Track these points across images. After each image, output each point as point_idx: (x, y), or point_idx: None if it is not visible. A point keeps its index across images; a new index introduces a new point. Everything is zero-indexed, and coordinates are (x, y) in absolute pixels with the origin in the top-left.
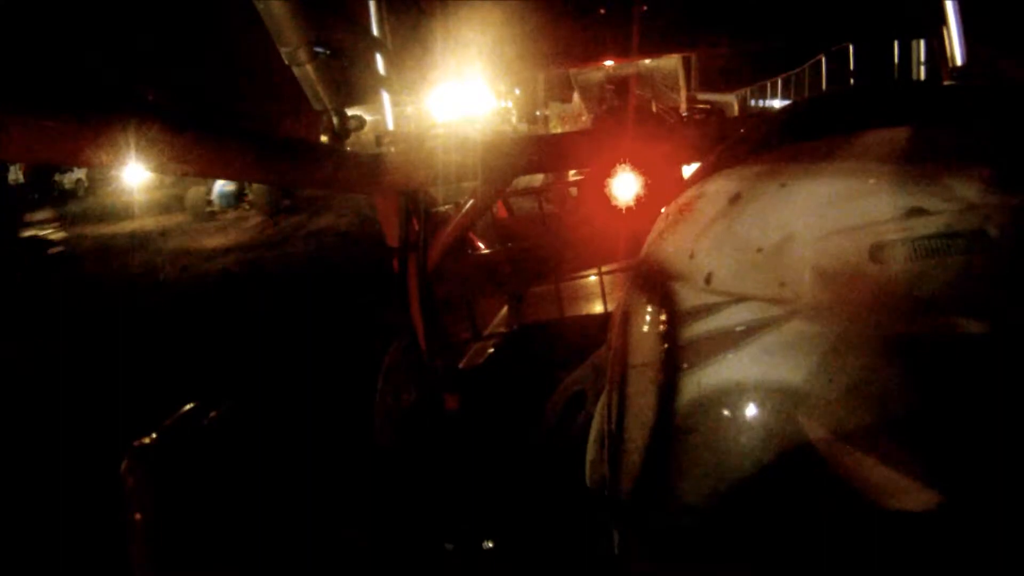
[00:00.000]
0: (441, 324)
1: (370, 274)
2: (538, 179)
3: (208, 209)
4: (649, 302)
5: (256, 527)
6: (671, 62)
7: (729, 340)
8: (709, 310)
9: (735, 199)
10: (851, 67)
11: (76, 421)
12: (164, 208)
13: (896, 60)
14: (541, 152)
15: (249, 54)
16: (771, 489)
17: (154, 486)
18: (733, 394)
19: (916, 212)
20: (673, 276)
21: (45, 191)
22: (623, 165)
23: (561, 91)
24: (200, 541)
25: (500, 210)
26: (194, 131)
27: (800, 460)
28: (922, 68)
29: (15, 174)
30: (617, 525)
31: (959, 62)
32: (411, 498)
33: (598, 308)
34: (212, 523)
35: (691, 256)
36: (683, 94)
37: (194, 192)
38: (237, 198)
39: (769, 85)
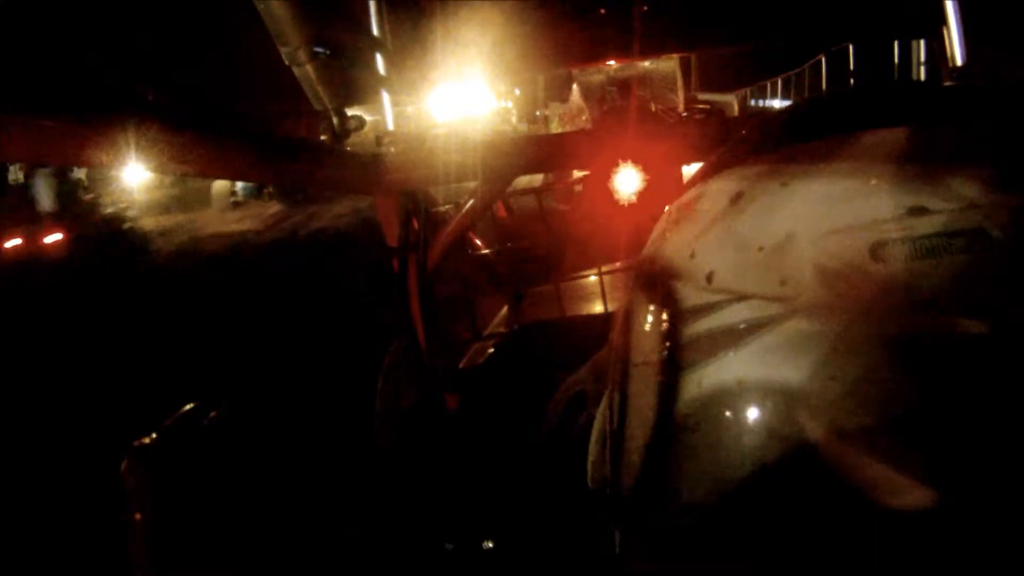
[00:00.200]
0: (441, 324)
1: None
2: (538, 179)
3: (232, 200)
4: (650, 301)
5: (256, 527)
6: (669, 64)
7: (730, 338)
8: (710, 309)
9: (736, 198)
10: (851, 67)
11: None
12: (187, 203)
13: (896, 60)
14: (541, 152)
15: (249, 54)
16: (771, 488)
17: (154, 486)
18: (734, 392)
19: (917, 211)
20: (674, 275)
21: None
22: (624, 164)
23: (560, 91)
24: (200, 541)
25: (500, 210)
26: (194, 131)
27: (800, 459)
28: (922, 68)
29: (15, 174)
30: (618, 525)
31: (959, 62)
32: (411, 498)
33: (598, 308)
34: (212, 523)
35: (692, 255)
36: (681, 95)
37: (219, 185)
38: (259, 189)
39: (769, 85)
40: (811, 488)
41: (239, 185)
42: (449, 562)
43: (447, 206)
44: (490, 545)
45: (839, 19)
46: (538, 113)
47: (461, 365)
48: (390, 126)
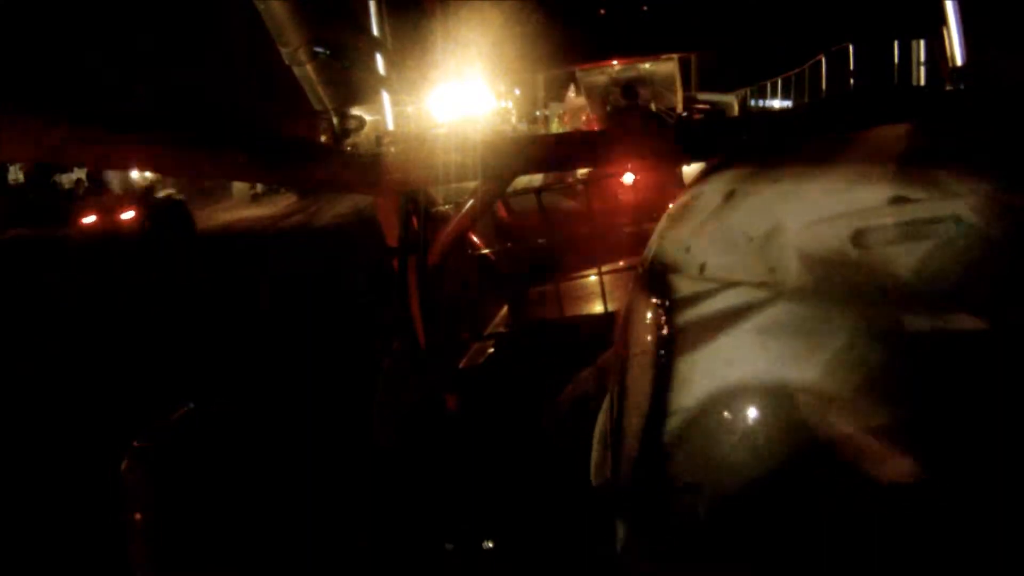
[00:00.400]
0: (441, 324)
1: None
2: (538, 179)
3: (252, 192)
4: (648, 294)
5: (256, 527)
6: (669, 65)
7: (719, 323)
8: (702, 297)
9: (729, 195)
10: (851, 67)
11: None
12: (214, 196)
13: (896, 60)
14: (541, 152)
15: (249, 54)
16: (761, 469)
17: (154, 486)
18: (723, 375)
19: (898, 200)
20: (671, 268)
21: (44, 191)
22: (625, 164)
23: (560, 91)
24: (200, 541)
25: (500, 210)
26: (194, 132)
27: (788, 437)
28: (922, 68)
29: (15, 174)
30: (617, 516)
31: (959, 62)
32: (411, 498)
33: (598, 308)
34: (212, 523)
35: (687, 250)
36: (679, 95)
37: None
38: None
39: (769, 85)
40: (799, 467)
41: None
42: (449, 562)
43: (447, 206)
44: (490, 545)
45: (839, 19)
46: (538, 113)
47: (461, 365)
48: (390, 126)
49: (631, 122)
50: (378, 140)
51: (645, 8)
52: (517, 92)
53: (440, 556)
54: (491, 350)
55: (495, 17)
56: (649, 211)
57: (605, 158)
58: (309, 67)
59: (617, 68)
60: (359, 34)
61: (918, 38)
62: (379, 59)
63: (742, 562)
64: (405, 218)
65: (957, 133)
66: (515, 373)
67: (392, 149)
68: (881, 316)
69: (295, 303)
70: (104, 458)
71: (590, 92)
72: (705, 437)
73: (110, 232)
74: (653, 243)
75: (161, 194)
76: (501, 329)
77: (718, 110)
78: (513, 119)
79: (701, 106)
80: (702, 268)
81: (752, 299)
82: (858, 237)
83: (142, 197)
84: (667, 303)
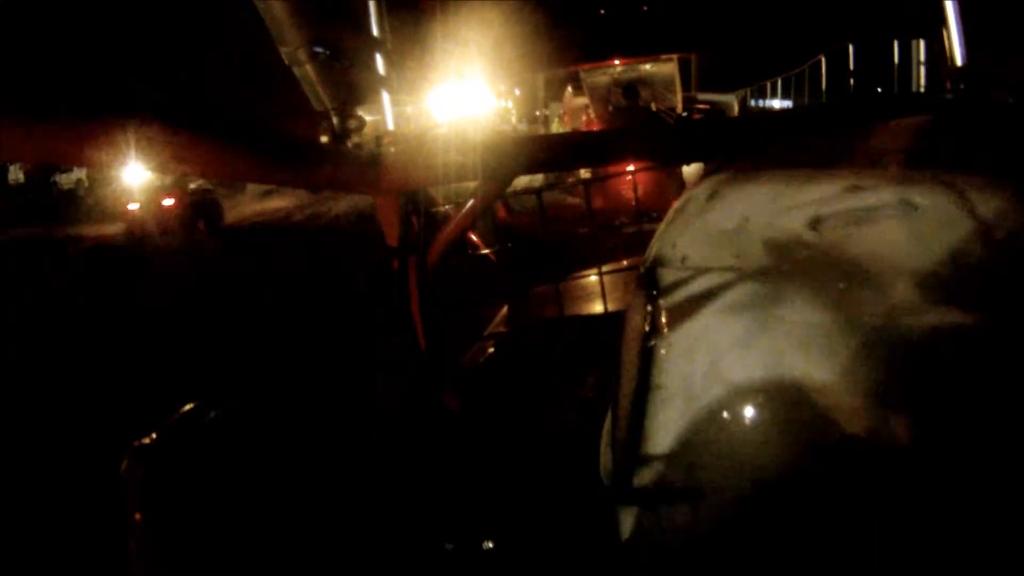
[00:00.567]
0: (441, 324)
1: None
2: (539, 179)
3: (265, 188)
4: (641, 288)
5: (256, 527)
6: (668, 66)
7: (693, 306)
8: (680, 284)
9: (711, 196)
10: (851, 67)
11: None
12: (229, 190)
13: (896, 60)
14: (542, 152)
15: (249, 54)
16: (728, 438)
17: (154, 486)
18: (694, 350)
19: (852, 189)
20: (660, 264)
21: (44, 191)
22: (625, 163)
23: (559, 91)
24: (200, 541)
25: (500, 210)
26: (194, 131)
27: (756, 404)
28: (922, 68)
29: (15, 174)
30: (618, 514)
31: (959, 62)
32: (411, 498)
33: (598, 308)
34: (212, 523)
35: (674, 246)
36: (679, 96)
37: None
38: None
39: (769, 85)
40: (763, 430)
41: None
42: (449, 562)
43: (447, 206)
44: (490, 545)
45: (839, 19)
46: (538, 113)
47: (461, 365)
48: (390, 126)
49: (631, 122)
50: (378, 140)
51: (645, 8)
52: (517, 92)
53: (440, 556)
54: (491, 350)
55: (495, 17)
56: (649, 211)
57: (605, 158)
58: (309, 67)
59: (619, 68)
60: (359, 34)
61: (918, 38)
62: (379, 59)
63: (740, 559)
64: (405, 218)
65: (897, 133)
66: (515, 373)
67: (392, 149)
68: (832, 290)
69: (313, 296)
70: (104, 458)
71: (593, 92)
72: (680, 407)
73: (155, 218)
74: (652, 244)
75: (193, 185)
76: (501, 329)
77: (718, 110)
78: (513, 119)
79: (701, 106)
80: (683, 260)
81: (721, 281)
82: (814, 223)
83: (181, 186)
84: (653, 293)
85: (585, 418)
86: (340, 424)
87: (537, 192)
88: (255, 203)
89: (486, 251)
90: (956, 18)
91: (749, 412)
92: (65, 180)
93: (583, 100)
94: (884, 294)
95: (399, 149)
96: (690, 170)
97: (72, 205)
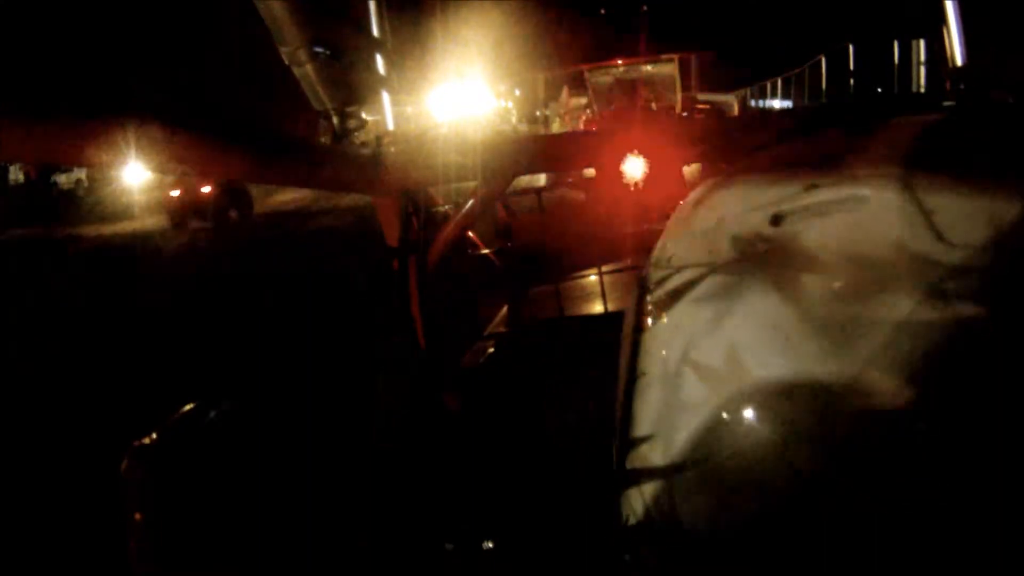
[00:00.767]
0: (441, 324)
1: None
2: (540, 179)
3: None
4: (636, 289)
5: (256, 527)
6: (668, 66)
7: (671, 299)
8: (663, 280)
9: (697, 203)
10: (851, 67)
11: None
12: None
13: (896, 60)
14: (542, 152)
15: (249, 54)
16: (701, 415)
17: (154, 486)
18: (672, 338)
19: (811, 187)
20: (653, 265)
21: (44, 191)
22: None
23: (559, 91)
24: (200, 541)
25: (499, 210)
26: (194, 131)
27: (726, 389)
28: (922, 68)
29: (15, 174)
30: (619, 512)
31: (959, 62)
32: (411, 498)
33: (598, 308)
34: (212, 523)
35: (665, 248)
36: (678, 96)
37: None
38: None
39: (769, 85)
40: (735, 416)
41: None
42: (449, 562)
43: (447, 206)
44: (490, 545)
45: (839, 19)
46: (538, 113)
47: (461, 365)
48: (390, 126)
49: (631, 121)
50: (378, 140)
51: (645, 8)
52: (517, 92)
53: (440, 556)
54: (491, 350)
55: (495, 17)
56: (649, 212)
57: (605, 158)
58: (309, 67)
59: (621, 68)
60: (359, 34)
61: (918, 38)
62: (379, 59)
63: (740, 558)
64: (405, 218)
65: (854, 136)
66: (515, 373)
67: (392, 149)
68: (793, 279)
69: (311, 296)
70: (104, 458)
71: (596, 91)
72: (658, 392)
73: (192, 205)
74: (653, 251)
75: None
76: (501, 329)
77: (718, 110)
78: (513, 119)
79: (701, 106)
80: (670, 260)
81: (695, 276)
82: (776, 219)
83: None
84: (643, 291)
85: (585, 418)
86: (340, 424)
87: (537, 192)
88: (279, 193)
89: (486, 251)
90: (956, 18)
91: (712, 394)
92: (65, 180)
93: (581, 100)
94: (832, 279)
95: (399, 149)
96: (690, 170)
97: (72, 205)
